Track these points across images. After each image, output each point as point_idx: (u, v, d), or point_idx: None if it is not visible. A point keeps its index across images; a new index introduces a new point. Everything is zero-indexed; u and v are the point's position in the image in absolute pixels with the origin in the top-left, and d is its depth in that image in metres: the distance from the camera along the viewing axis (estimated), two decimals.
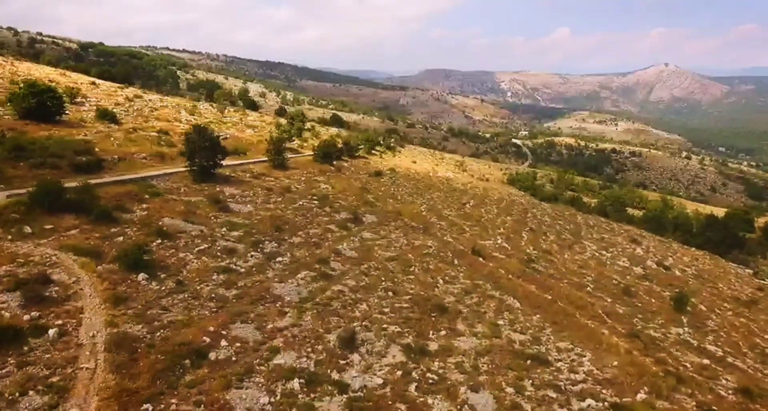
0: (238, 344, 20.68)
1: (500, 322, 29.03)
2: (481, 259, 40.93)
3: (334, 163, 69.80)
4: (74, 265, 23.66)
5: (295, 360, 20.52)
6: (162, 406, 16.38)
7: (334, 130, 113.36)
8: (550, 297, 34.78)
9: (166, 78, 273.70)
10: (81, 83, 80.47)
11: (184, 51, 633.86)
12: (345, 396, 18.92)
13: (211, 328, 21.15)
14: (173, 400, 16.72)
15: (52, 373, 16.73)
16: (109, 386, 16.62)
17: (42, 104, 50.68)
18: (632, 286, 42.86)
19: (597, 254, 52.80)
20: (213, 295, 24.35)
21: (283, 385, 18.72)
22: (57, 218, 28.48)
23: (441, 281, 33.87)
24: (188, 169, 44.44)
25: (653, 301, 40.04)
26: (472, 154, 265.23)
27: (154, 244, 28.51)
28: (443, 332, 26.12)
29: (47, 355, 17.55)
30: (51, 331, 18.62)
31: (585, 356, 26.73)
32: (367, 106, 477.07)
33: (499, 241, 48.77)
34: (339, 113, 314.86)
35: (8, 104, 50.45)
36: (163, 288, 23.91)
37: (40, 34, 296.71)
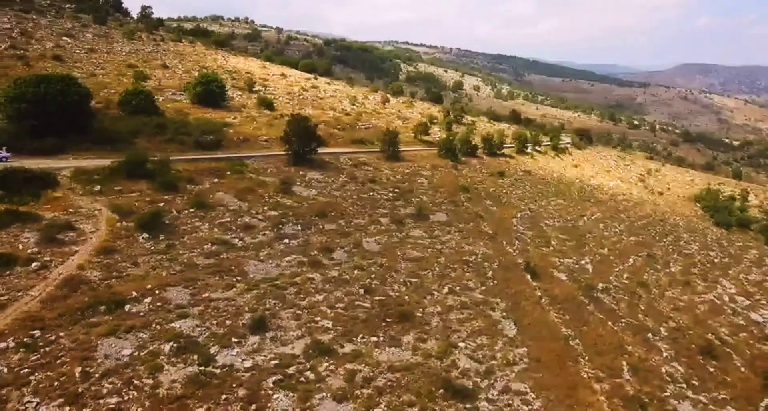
0: (159, 303, 23.95)
1: (462, 344, 26.54)
2: (528, 276, 36.87)
3: (463, 159, 68.67)
4: (102, 219, 30.00)
5: (193, 328, 22.88)
6: (48, 334, 20.55)
7: (503, 126, 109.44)
8: (570, 332, 29.93)
9: (389, 70, 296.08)
10: (272, 74, 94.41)
11: (421, 45, 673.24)
12: (201, 368, 20.57)
13: (149, 286, 24.86)
14: (61, 333, 20.77)
15: (5, 294, 22.36)
16: (29, 312, 21.49)
17: (209, 91, 62.08)
18: (730, 347, 33.45)
19: (723, 299, 41.80)
20: (186, 260, 28.17)
21: (156, 345, 21.30)
22: (132, 183, 35.85)
23: (444, 290, 32.02)
24: (286, 153, 49.79)
25: (742, 371, 30.79)
26: (705, 164, 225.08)
27: (186, 211, 33.77)
28: (378, 339, 25.29)
29: (16, 280, 23.38)
30: (34, 265, 24.55)
31: (533, 406, 22.95)
32: (593, 103, 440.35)
33: (583, 262, 42.59)
34: (551, 108, 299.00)
35: (184, 91, 62.98)
36: (153, 247, 28.63)
37: (299, 32, 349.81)
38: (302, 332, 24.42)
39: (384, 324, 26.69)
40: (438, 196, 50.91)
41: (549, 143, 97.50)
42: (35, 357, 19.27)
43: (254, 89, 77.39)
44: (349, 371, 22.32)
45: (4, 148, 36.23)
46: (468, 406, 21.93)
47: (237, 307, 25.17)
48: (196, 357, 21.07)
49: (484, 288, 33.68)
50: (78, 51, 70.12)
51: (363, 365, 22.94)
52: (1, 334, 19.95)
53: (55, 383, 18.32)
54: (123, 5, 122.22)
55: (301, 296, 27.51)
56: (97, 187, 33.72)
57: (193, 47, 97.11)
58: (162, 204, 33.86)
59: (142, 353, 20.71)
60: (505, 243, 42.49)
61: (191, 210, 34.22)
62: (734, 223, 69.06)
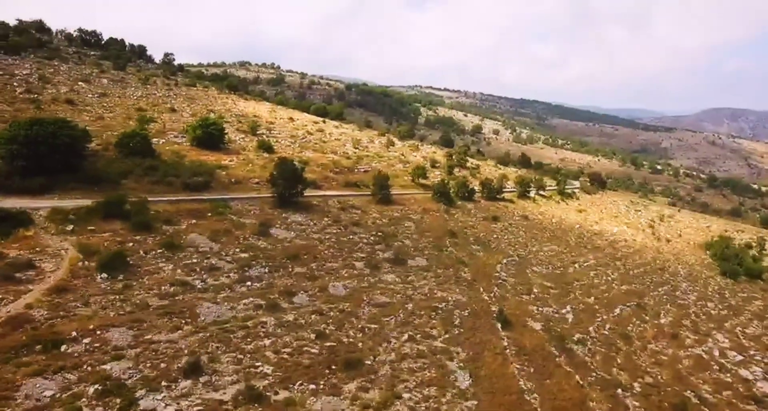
0: (97, 344, 24.06)
1: (407, 395, 25.72)
2: (499, 324, 35.88)
3: (459, 203, 68.60)
4: (66, 259, 30.71)
5: (124, 370, 22.83)
6: None
7: (510, 170, 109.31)
8: (529, 385, 28.76)
9: (408, 114, 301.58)
10: (279, 118, 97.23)
11: (445, 89, 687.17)
12: None
13: (92, 326, 25.06)
14: None
15: None
16: None
17: (208, 134, 64.15)
18: (708, 406, 31.53)
19: (713, 353, 39.65)
20: (139, 301, 28.42)
21: (81, 387, 21.27)
22: (107, 223, 36.78)
23: (404, 337, 31.36)
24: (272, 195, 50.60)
25: None
26: (731, 210, 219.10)
27: (153, 252, 34.33)
28: (317, 387, 24.73)
29: None
30: None
31: None
32: (617, 148, 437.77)
33: (563, 311, 41.27)
34: (571, 153, 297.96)
35: (185, 134, 65.22)
36: (108, 287, 29.03)
37: (322, 77, 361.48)
38: (238, 377, 24.09)
39: (328, 371, 26.15)
40: (422, 240, 50.65)
41: (555, 188, 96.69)
42: None
43: (258, 132, 79.57)
44: None
45: None
46: None
47: (177, 349, 25.08)
48: (118, 401, 20.91)
49: (447, 336, 32.87)
50: (91, 95, 73.78)
51: None
52: None
53: None
54: (147, 52, 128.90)
55: (248, 340, 27.29)
56: (70, 227, 34.68)
57: (205, 91, 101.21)
58: (131, 244, 34.56)
59: (64, 395, 20.68)
60: (482, 290, 41.66)
61: (159, 250, 34.76)
62: (742, 272, 66.34)
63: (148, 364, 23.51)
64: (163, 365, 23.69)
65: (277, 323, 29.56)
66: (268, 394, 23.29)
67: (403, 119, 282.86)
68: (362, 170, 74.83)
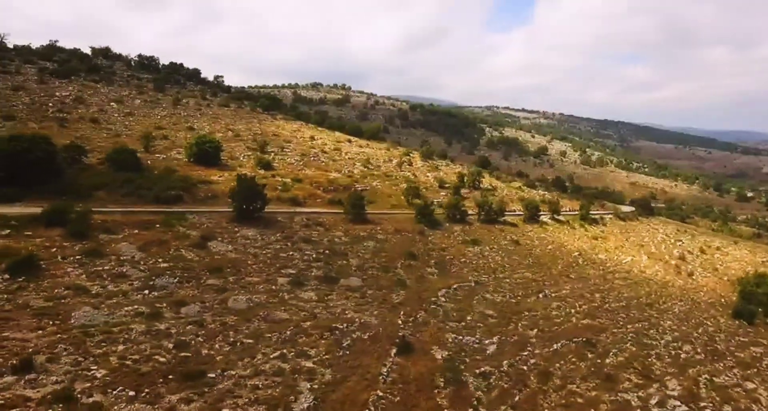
0: None
1: None
2: (394, 350, 34.77)
3: (447, 224, 67.16)
4: None
5: None
6: None
7: (539, 192, 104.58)
8: None
9: (472, 134, 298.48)
10: (300, 137, 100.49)
11: (522, 110, 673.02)
12: None
13: None
14: None
15: None
16: None
17: (203, 151, 68.12)
18: None
19: (648, 401, 35.40)
20: (21, 301, 30.83)
21: None
22: (48, 230, 40.25)
23: (275, 354, 31.33)
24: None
25: None
26: None
27: (72, 258, 37.06)
28: (137, 394, 25.42)
29: None
30: None
31: None
32: (709, 172, 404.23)
33: (487, 342, 38.96)
34: (644, 177, 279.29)
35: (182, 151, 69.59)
36: (2, 287, 31.77)
37: (389, 97, 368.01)
38: (65, 379, 25.36)
39: (162, 380, 26.76)
40: (373, 260, 50.16)
41: (577, 212, 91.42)
42: None
43: (267, 150, 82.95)
44: None
45: None
46: None
47: (24, 347, 26.91)
48: None
49: (326, 357, 32.35)
50: (117, 115, 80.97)
51: None
52: None
53: None
54: (201, 75, 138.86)
55: (102, 344, 28.63)
56: (6, 231, 38.39)
57: (234, 111, 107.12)
58: (54, 249, 37.59)
59: None
60: (402, 314, 40.49)
61: (78, 256, 37.47)
62: (760, 313, 58.90)
63: None
64: None
65: (144, 331, 30.72)
66: (79, 396, 24.32)
67: (465, 140, 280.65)
68: (360, 189, 75.51)
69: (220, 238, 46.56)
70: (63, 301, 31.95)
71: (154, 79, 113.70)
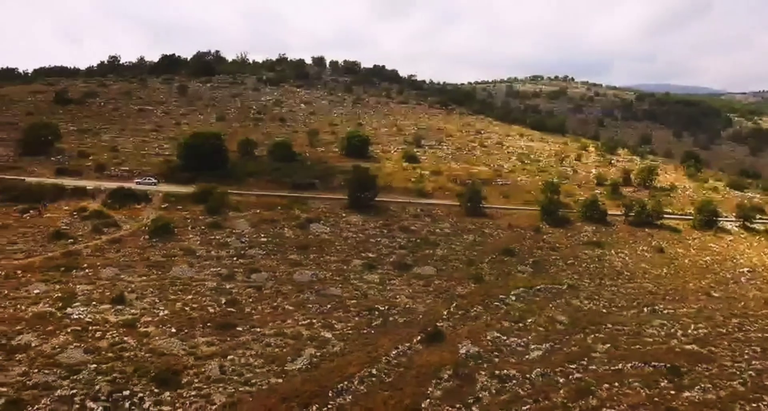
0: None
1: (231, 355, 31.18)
2: (422, 336, 35.84)
3: (578, 224, 61.92)
4: (136, 225, 46.66)
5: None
6: None
7: (736, 195, 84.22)
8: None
9: (713, 125, 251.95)
10: (464, 132, 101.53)
11: None
12: None
13: (99, 263, 39.31)
14: None
15: None
16: None
17: (352, 145, 76.13)
18: None
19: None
20: (146, 254, 41.61)
21: None
22: (195, 205, 52.11)
23: (305, 321, 35.82)
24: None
25: None
26: None
27: (198, 227, 47.62)
28: (186, 334, 32.80)
29: None
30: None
31: None
32: None
33: (533, 346, 36.38)
34: None
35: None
36: (141, 244, 43.28)
37: (616, 87, 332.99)
38: (139, 311, 34.20)
39: (201, 325, 33.70)
40: (464, 253, 50.34)
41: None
42: None
43: (422, 144, 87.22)
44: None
45: (153, 176, 58.16)
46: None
47: (127, 287, 36.91)
48: None
49: (349, 332, 35.35)
50: (302, 114, 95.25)
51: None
52: None
53: None
54: (399, 74, 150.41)
55: (179, 292, 37.13)
56: (165, 205, 51.23)
57: (412, 108, 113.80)
58: (189, 220, 48.80)
59: None
60: (455, 306, 40.58)
61: (203, 227, 47.94)
62: None
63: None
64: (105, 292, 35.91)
65: (213, 288, 38.34)
66: (139, 325, 32.75)
67: (703, 132, 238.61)
68: (500, 183, 74.37)
69: (323, 221, 52.89)
70: (173, 258, 41.98)
71: (351, 82, 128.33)
